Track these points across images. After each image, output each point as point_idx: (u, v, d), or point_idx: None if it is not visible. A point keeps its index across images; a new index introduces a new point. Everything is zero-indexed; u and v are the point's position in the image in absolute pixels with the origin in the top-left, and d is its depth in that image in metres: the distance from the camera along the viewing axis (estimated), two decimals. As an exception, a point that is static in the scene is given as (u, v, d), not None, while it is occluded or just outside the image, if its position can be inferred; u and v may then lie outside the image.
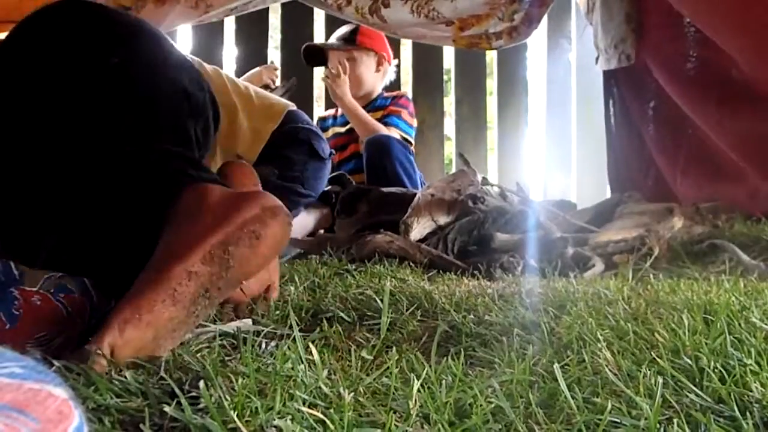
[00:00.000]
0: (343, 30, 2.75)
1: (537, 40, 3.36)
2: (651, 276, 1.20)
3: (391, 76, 2.93)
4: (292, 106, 2.11)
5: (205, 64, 1.93)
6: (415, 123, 2.81)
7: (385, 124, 2.63)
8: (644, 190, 2.19)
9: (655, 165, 2.29)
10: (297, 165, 2.01)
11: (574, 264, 1.44)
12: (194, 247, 0.68)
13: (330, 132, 2.84)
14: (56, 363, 0.55)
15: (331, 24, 3.19)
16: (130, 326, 0.61)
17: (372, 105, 2.76)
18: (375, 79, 2.79)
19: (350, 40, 2.70)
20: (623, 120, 2.41)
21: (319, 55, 2.83)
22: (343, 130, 2.81)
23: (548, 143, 3.41)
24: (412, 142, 2.75)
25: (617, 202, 2.02)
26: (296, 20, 3.25)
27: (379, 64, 2.77)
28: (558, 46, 3.33)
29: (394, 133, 2.61)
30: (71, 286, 0.70)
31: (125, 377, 0.54)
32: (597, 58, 2.43)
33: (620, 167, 2.48)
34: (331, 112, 2.96)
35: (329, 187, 2.18)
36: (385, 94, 2.84)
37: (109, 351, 0.59)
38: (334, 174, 2.20)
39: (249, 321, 0.82)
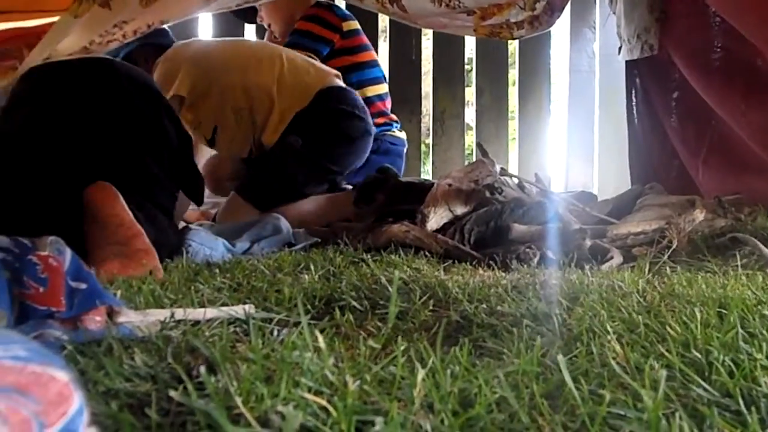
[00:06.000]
0: None
1: (560, 29, 3.33)
2: (669, 269, 1.19)
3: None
4: (334, 83, 2.14)
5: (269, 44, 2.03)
6: (326, 33, 2.60)
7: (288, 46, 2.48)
8: (666, 182, 2.17)
9: (677, 157, 2.26)
10: (321, 143, 2.08)
11: (592, 256, 1.43)
12: None
13: None
14: (69, 346, 0.56)
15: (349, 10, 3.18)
16: None
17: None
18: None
19: None
20: (645, 111, 2.39)
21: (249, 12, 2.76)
22: None
23: (570, 133, 3.38)
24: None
25: (638, 193, 2.00)
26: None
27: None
28: (581, 35, 3.30)
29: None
30: (60, 245, 0.73)
31: (135, 361, 0.55)
32: (620, 48, 2.40)
33: (642, 159, 2.46)
34: None
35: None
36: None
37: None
38: (382, 166, 2.21)
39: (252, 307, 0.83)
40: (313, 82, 2.13)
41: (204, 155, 2.36)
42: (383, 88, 2.72)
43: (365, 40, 2.69)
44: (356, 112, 2.14)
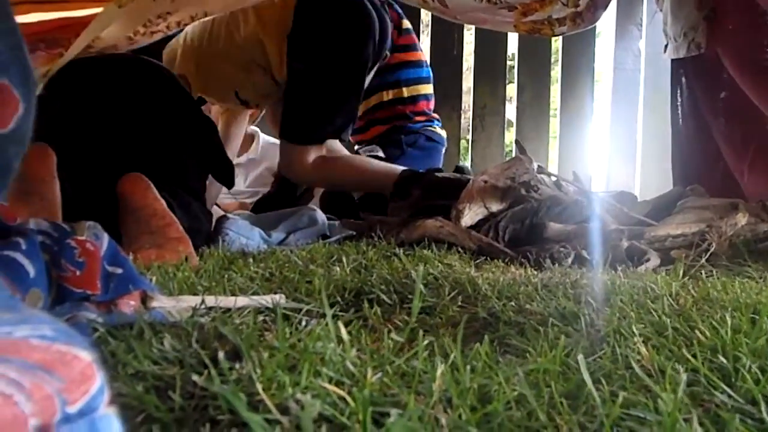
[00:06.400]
0: None
1: (606, 26, 3.28)
2: (706, 273, 1.17)
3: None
4: None
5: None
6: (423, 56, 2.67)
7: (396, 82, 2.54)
8: (710, 184, 2.12)
9: (722, 159, 2.21)
10: (319, 58, 2.01)
11: (629, 257, 1.41)
12: None
13: None
14: (101, 329, 0.58)
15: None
16: None
17: None
18: None
19: None
20: (691, 111, 2.33)
21: None
22: None
23: (613, 133, 3.33)
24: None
25: (679, 195, 1.96)
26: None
27: None
28: (627, 33, 3.24)
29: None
30: (97, 231, 0.75)
31: (164, 346, 0.56)
32: (666, 46, 2.35)
33: (686, 160, 2.40)
34: None
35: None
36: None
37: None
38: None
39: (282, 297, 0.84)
40: (287, 2, 2.05)
41: (238, 135, 2.40)
42: (430, 88, 2.72)
43: (416, 39, 2.70)
44: (344, 8, 2.01)
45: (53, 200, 1.21)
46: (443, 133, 2.71)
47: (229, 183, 1.83)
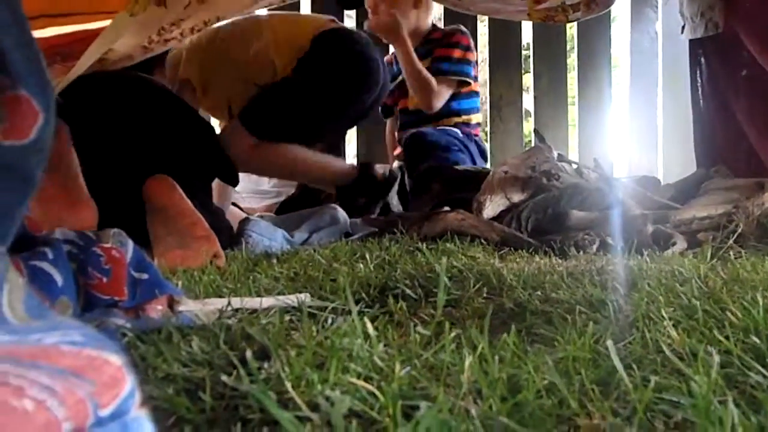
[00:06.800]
0: None
1: (621, 10, 3.24)
2: (735, 254, 1.15)
3: (436, 9, 2.76)
4: (329, 26, 2.14)
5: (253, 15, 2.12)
6: (473, 56, 2.66)
7: (434, 74, 2.51)
8: (734, 165, 2.09)
9: (746, 139, 2.17)
10: (317, 87, 2.08)
11: (655, 242, 1.39)
12: None
13: None
14: (130, 334, 0.59)
15: None
16: None
17: (426, 42, 2.64)
18: (416, 15, 2.60)
19: None
20: (711, 92, 2.30)
21: None
22: (393, 84, 2.68)
23: (632, 118, 3.29)
24: (471, 80, 2.63)
25: (703, 177, 1.94)
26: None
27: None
28: (643, 15, 3.20)
29: (443, 87, 2.53)
30: (122, 238, 0.76)
31: (192, 348, 0.56)
32: (683, 27, 2.32)
33: (708, 142, 2.37)
34: (386, 58, 2.81)
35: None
36: (437, 32, 2.69)
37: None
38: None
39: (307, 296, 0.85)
40: (306, 30, 2.11)
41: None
42: (480, 117, 2.80)
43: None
44: (355, 48, 2.09)
45: (74, 172, 1.26)
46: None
47: (233, 181, 1.87)
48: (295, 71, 2.06)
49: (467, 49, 2.62)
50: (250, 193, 2.71)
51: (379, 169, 2.17)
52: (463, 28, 2.69)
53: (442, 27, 2.80)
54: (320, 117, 2.10)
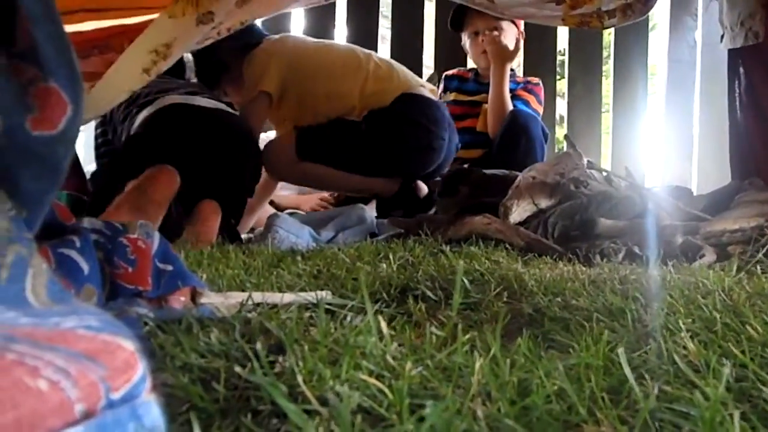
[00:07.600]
0: None
1: (659, 17, 3.20)
2: (762, 269, 1.13)
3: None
4: (416, 90, 2.23)
5: (357, 50, 2.28)
6: (541, 109, 2.76)
7: None
8: (770, 177, 2.05)
9: (783, 151, 2.13)
10: (379, 141, 2.18)
11: (684, 254, 1.37)
12: None
13: (451, 95, 2.81)
14: (151, 323, 0.60)
15: (441, 6, 3.18)
16: None
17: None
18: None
19: None
20: (749, 102, 2.25)
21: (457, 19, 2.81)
22: (465, 99, 2.76)
23: (668, 127, 3.25)
24: None
25: (737, 189, 1.90)
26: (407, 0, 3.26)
27: (517, 40, 2.70)
28: (682, 23, 3.15)
29: None
30: (149, 229, 0.78)
31: (210, 339, 0.58)
32: (722, 36, 2.28)
33: (744, 153, 2.32)
34: (460, 71, 2.90)
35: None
36: (517, 78, 2.79)
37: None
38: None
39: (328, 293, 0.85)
40: (395, 88, 2.19)
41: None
42: None
43: None
44: (423, 121, 2.16)
45: (154, 223, 1.45)
46: None
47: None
48: (365, 119, 2.14)
49: (540, 102, 2.76)
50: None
51: (423, 187, 2.21)
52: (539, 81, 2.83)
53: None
54: (367, 170, 2.18)
